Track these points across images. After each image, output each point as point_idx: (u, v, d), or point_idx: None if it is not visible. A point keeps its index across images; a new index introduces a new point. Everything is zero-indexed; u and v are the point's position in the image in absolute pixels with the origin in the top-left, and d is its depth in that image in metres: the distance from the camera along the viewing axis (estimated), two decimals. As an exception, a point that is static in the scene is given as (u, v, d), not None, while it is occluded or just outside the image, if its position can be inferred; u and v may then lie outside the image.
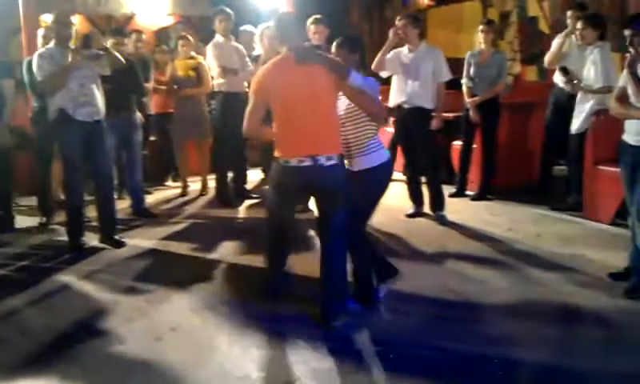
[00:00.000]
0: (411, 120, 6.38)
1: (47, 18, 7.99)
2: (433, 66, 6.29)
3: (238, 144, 7.29)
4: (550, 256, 5.41)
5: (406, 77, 6.33)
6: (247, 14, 8.70)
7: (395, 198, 7.48)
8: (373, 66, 6.40)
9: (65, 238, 5.92)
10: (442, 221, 6.43)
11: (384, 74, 6.53)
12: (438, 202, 6.54)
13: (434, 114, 6.43)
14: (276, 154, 4.10)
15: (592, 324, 4.24)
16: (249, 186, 7.84)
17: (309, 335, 4.01)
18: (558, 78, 6.99)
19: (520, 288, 4.77)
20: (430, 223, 6.46)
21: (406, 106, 6.36)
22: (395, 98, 6.47)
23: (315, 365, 3.68)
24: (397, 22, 6.38)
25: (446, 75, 6.40)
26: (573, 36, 6.75)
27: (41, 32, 6.68)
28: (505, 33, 10.13)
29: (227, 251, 5.75)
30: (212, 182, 7.81)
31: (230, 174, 7.65)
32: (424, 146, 6.41)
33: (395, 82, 6.50)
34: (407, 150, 6.65)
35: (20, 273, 5.36)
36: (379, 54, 6.38)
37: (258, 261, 5.19)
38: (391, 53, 6.40)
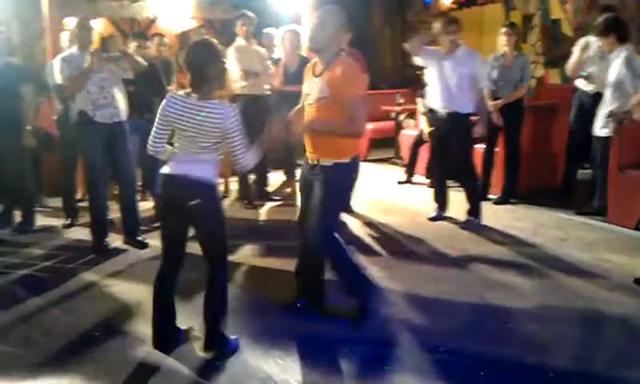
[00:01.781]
0: (447, 124, 6.28)
1: (70, 22, 8.07)
2: (470, 71, 6.14)
3: (260, 146, 7.31)
4: (574, 261, 5.36)
5: (443, 81, 6.21)
6: (268, 17, 8.72)
7: (417, 201, 7.49)
8: (409, 47, 6.27)
9: (89, 238, 5.96)
10: (468, 226, 6.35)
11: (418, 61, 6.43)
12: (472, 208, 6.42)
13: (473, 118, 6.38)
14: (342, 157, 4.02)
15: (617, 329, 4.20)
16: (270, 188, 7.84)
17: (330, 337, 4.03)
18: (581, 82, 6.95)
19: (544, 293, 4.73)
20: (453, 227, 6.41)
21: (442, 110, 6.27)
22: (432, 101, 6.39)
23: (335, 367, 3.69)
24: (438, 29, 6.25)
25: (483, 82, 6.27)
26: (593, 41, 6.72)
27: (65, 35, 6.73)
28: (528, 36, 10.08)
29: (248, 253, 5.75)
30: (234, 185, 7.83)
31: (252, 177, 7.67)
32: (459, 151, 6.29)
33: (431, 85, 6.40)
34: (439, 154, 6.54)
35: (44, 273, 5.40)
36: (418, 38, 6.28)
37: (279, 263, 5.22)
38: (432, 48, 6.31)
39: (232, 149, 3.69)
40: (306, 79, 4.23)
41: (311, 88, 4.08)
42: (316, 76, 4.07)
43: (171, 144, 3.82)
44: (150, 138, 3.80)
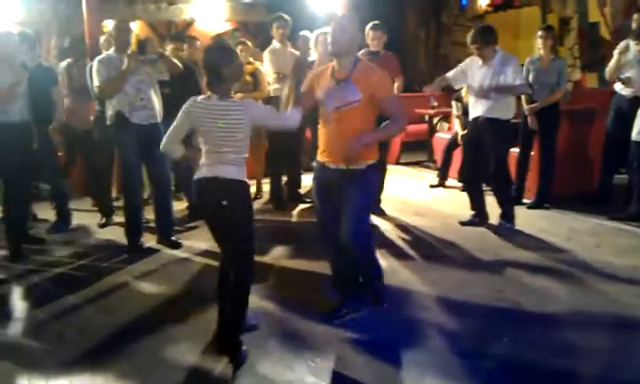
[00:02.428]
0: (485, 130, 6.17)
1: (109, 24, 8.20)
2: (504, 78, 5.99)
3: (293, 148, 7.34)
4: (609, 267, 5.28)
5: (482, 89, 6.10)
6: (303, 20, 8.74)
7: (449, 204, 7.45)
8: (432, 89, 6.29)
9: (123, 238, 6.05)
10: (500, 230, 6.27)
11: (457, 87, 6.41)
12: (505, 213, 6.34)
13: (513, 121, 6.30)
14: (373, 158, 4.13)
15: (653, 337, 4.14)
16: (303, 190, 7.87)
17: (361, 340, 4.03)
18: (619, 86, 6.86)
19: (578, 298, 4.67)
20: (485, 231, 6.35)
21: (481, 118, 6.20)
22: (472, 111, 6.31)
23: (366, 371, 3.69)
24: (469, 42, 6.18)
25: (519, 81, 6.04)
26: (632, 45, 6.63)
27: (102, 38, 6.85)
28: (565, 39, 9.96)
29: (280, 255, 5.78)
30: (266, 186, 7.87)
31: (285, 178, 7.71)
32: (495, 156, 6.17)
33: (471, 93, 6.32)
34: (475, 159, 6.41)
35: (79, 272, 5.50)
36: (435, 84, 6.34)
37: (310, 265, 5.24)
38: (460, 70, 6.26)
39: (270, 125, 3.95)
40: (319, 85, 4.14)
41: (332, 93, 4.04)
42: (339, 81, 4.04)
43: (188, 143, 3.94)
44: (166, 136, 3.89)
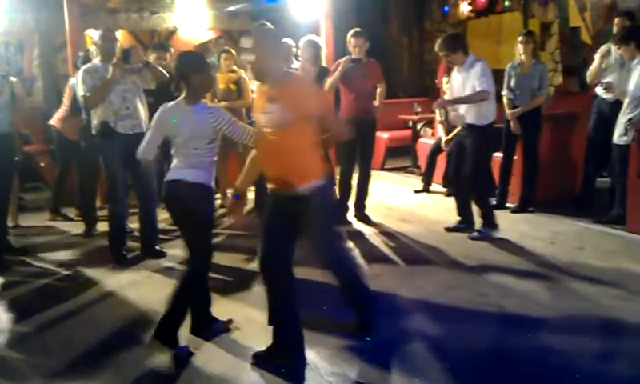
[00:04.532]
0: (465, 134, 6.27)
1: (92, 33, 8.18)
2: (473, 82, 6.00)
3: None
4: (592, 270, 5.32)
5: (458, 94, 6.19)
6: (286, 28, 8.75)
7: (433, 209, 7.47)
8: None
9: (107, 248, 6.02)
10: (476, 237, 6.26)
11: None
12: (484, 220, 6.30)
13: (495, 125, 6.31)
14: (321, 175, 3.81)
15: (635, 339, 4.16)
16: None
17: (341, 347, 4.04)
18: (600, 89, 6.92)
19: (562, 302, 4.70)
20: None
21: (464, 123, 6.25)
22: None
23: (346, 378, 3.70)
24: (437, 50, 6.26)
25: (480, 85, 5.94)
26: (613, 49, 6.70)
27: (91, 48, 6.84)
28: (546, 43, 10.02)
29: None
30: (251, 194, 7.85)
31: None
32: (472, 163, 6.14)
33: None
34: (459, 166, 6.39)
35: (62, 282, 5.47)
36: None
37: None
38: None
39: (231, 136, 4.01)
40: (259, 106, 3.83)
41: (267, 115, 3.70)
42: (270, 102, 3.68)
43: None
44: (143, 143, 4.12)
